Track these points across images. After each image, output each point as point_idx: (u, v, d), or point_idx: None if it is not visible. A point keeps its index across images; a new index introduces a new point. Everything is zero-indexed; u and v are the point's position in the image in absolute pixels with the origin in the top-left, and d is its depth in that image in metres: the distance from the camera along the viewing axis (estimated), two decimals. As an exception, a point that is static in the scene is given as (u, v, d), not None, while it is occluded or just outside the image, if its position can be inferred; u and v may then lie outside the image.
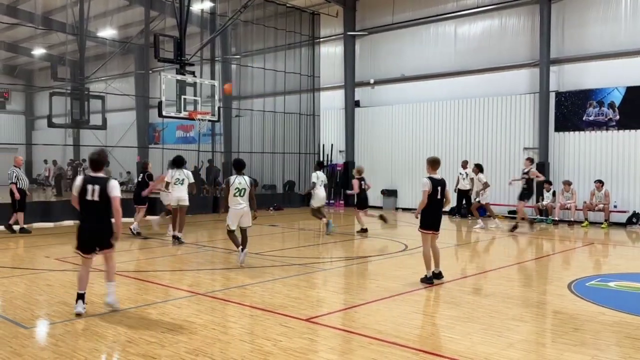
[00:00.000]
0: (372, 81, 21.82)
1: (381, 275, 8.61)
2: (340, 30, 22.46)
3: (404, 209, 20.34)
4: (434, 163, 7.96)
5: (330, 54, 22.80)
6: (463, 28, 19.42)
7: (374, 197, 21.32)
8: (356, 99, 22.47)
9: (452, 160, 18.80)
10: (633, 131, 15.77)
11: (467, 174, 17.12)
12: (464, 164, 17.35)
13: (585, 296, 7.20)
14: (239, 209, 8.99)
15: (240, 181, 8.97)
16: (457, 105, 19.34)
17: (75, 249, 6.21)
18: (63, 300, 6.72)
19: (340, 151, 22.81)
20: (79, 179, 6.25)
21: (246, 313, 6.38)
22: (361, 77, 22.24)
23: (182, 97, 14.90)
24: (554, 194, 16.83)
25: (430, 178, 7.83)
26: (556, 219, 16.33)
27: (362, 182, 13.45)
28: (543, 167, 17.20)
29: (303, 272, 8.80)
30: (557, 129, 17.22)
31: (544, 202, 16.89)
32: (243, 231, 9.19)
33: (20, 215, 13.06)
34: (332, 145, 22.89)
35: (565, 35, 17.07)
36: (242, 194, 8.97)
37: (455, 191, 17.15)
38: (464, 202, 17.51)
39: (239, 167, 9.24)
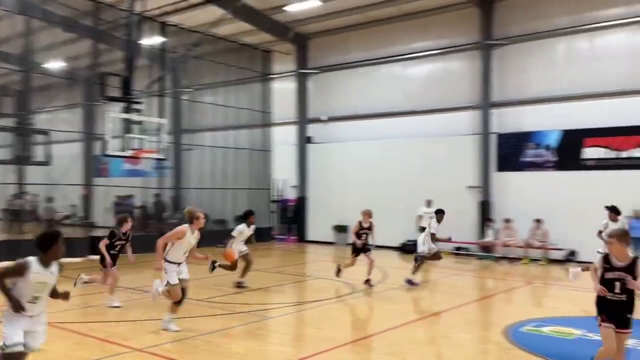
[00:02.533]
0: (324, 118, 22.17)
1: (325, 323, 8.67)
2: (293, 68, 22.82)
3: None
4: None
5: (283, 90, 23.08)
6: (411, 70, 20.10)
7: (325, 233, 21.50)
8: (309, 134, 22.76)
9: (401, 197, 19.22)
10: (569, 172, 16.57)
11: (431, 213, 17.52)
12: (428, 203, 17.77)
13: (519, 343, 7.45)
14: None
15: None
16: (405, 144, 19.84)
17: None
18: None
19: (292, 186, 22.94)
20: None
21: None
22: (314, 114, 22.57)
23: (128, 135, 14.72)
24: (496, 231, 17.40)
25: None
26: (498, 255, 16.86)
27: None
28: (486, 205, 17.81)
29: (247, 322, 8.72)
30: (498, 169, 17.91)
31: (486, 239, 17.43)
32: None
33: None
34: (284, 180, 23.01)
35: (505, 80, 17.89)
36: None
37: (418, 230, 17.41)
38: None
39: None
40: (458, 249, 18.15)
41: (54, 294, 4.92)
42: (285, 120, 22.81)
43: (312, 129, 22.74)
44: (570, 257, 16.20)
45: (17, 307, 4.58)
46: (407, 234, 18.98)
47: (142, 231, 19.85)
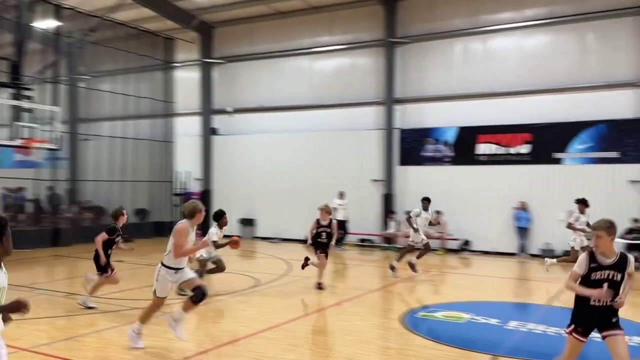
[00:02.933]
0: (230, 109, 21.84)
1: (226, 317, 8.56)
2: (197, 57, 22.28)
3: (262, 238, 20.45)
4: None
5: (187, 79, 22.46)
6: (317, 64, 20.29)
7: (231, 227, 21.19)
8: (214, 126, 22.34)
9: (308, 190, 19.40)
10: (464, 167, 17.48)
11: (345, 204, 17.84)
12: (341, 195, 18.00)
13: (414, 328, 7.76)
14: None
15: None
16: (312, 137, 20.02)
17: None
18: None
19: (196, 179, 22.43)
20: None
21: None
22: (219, 105, 22.18)
23: (18, 123, 13.70)
24: (398, 223, 18.01)
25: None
26: (400, 246, 17.46)
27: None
28: (389, 198, 18.40)
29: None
30: (401, 163, 18.55)
31: (389, 231, 18.01)
32: None
33: None
34: (188, 172, 22.45)
35: (408, 77, 18.53)
36: None
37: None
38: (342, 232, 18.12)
39: None
40: (362, 240, 18.63)
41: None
42: (188, 110, 22.24)
43: (217, 121, 22.34)
44: (464, 247, 17.14)
45: (24, 306, 3.32)
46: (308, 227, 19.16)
47: (35, 226, 18.64)
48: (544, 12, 16.63)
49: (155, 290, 6.60)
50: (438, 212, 17.20)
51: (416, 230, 12.63)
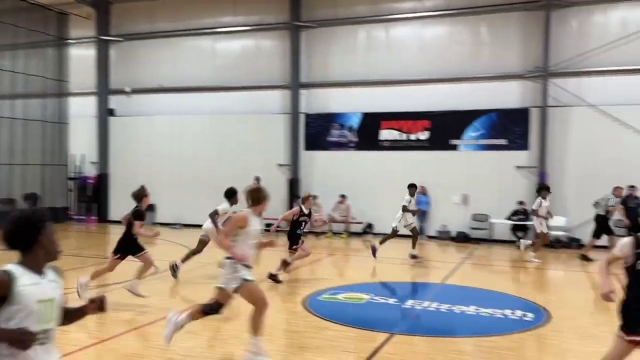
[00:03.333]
0: (128, 89, 20.84)
1: (124, 305, 8.21)
2: (93, 34, 21.01)
3: (163, 224, 19.82)
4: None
5: (82, 57, 21.11)
6: (221, 45, 19.83)
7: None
8: (112, 107, 21.26)
9: (213, 175, 19.04)
10: (368, 152, 17.90)
11: None
12: (257, 180, 17.71)
13: (316, 311, 7.87)
14: None
15: None
16: (216, 120, 19.60)
17: None
18: None
19: (92, 162, 21.28)
20: None
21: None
22: (117, 85, 21.09)
23: None
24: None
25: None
26: (306, 230, 17.60)
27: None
28: (294, 182, 18.47)
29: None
30: (306, 148, 18.66)
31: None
32: None
33: None
34: (83, 155, 21.25)
35: (313, 61, 18.60)
36: None
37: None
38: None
39: None
40: (268, 225, 18.46)
41: (71, 315, 3.07)
42: (84, 90, 20.94)
43: (114, 101, 21.28)
44: (367, 230, 17.61)
45: (22, 341, 2.60)
46: (217, 211, 18.86)
47: None
48: (442, 4, 17.27)
49: (244, 279, 5.81)
50: (343, 196, 17.53)
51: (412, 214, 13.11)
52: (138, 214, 8.32)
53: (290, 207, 18.31)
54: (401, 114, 17.53)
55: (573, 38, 15.88)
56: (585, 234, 14.96)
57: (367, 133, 17.91)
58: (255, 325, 5.70)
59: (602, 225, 13.49)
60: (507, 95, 16.54)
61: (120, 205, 20.80)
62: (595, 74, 15.61)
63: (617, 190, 13.59)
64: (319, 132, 18.50)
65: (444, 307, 8.14)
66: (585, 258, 13.20)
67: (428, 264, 13.60)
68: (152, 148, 20.39)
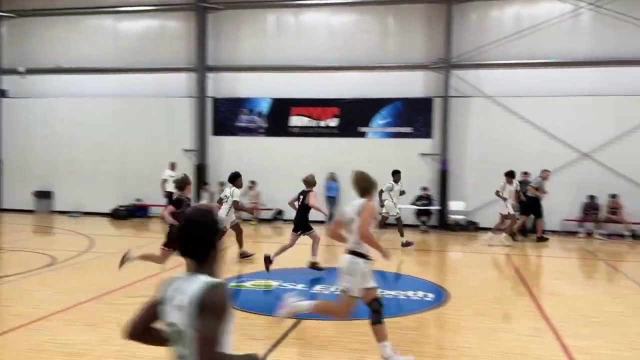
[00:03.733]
0: (21, 69, 19.38)
1: (17, 299, 7.69)
2: (-20, 7, 19.31)
3: (61, 212, 18.73)
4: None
5: (-33, 32, 19.37)
6: (124, 24, 18.92)
7: (24, 200, 19.04)
8: (3, 88, 19.71)
9: (115, 160, 18.24)
10: (277, 138, 17.85)
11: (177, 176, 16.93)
12: (172, 166, 17.06)
13: (224, 299, 7.74)
14: None
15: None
16: (119, 102, 18.72)
17: None
18: None
19: (-20, 147, 19.67)
20: None
21: None
22: (9, 64, 19.56)
23: None
24: (211, 194, 17.81)
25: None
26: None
27: (301, 197, 10.34)
28: (202, 168, 18.07)
29: None
30: (214, 133, 18.29)
31: (202, 202, 17.73)
32: None
33: None
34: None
35: (221, 44, 18.20)
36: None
37: (164, 196, 16.72)
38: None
39: None
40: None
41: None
42: (-29, 69, 19.27)
43: (7, 82, 19.73)
44: (277, 217, 17.60)
45: None
46: (119, 198, 18.15)
47: None
48: (351, -8, 17.51)
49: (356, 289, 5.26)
50: (252, 183, 17.39)
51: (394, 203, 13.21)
52: (178, 202, 8.16)
53: (198, 193, 17.94)
54: (311, 100, 17.62)
55: (472, 31, 16.65)
56: (482, 218, 15.87)
57: (277, 119, 17.84)
58: (327, 311, 5.53)
59: (533, 206, 14.30)
60: (412, 84, 17.08)
61: (14, 192, 19.46)
62: (492, 66, 16.48)
63: (544, 172, 14.49)
64: (227, 117, 18.19)
65: (350, 291, 8.30)
66: (542, 239, 14.02)
67: (338, 250, 13.83)
68: (49, 132, 19.17)
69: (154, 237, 14.68)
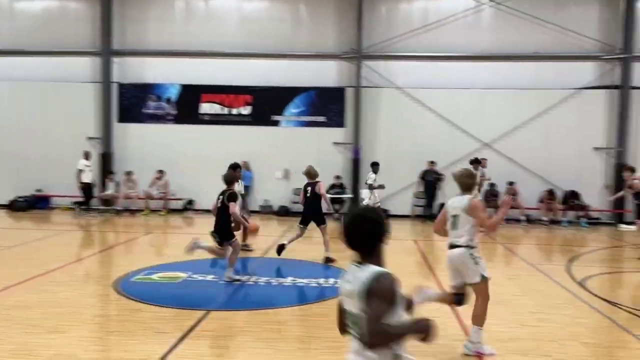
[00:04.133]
0: None
1: None
2: None
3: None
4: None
5: None
6: (21, 4, 17.63)
7: None
8: None
9: (12, 148, 17.07)
10: (187, 125, 17.38)
11: (91, 165, 16.23)
12: (86, 155, 16.02)
13: (129, 293, 7.47)
14: None
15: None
16: (16, 87, 17.48)
17: None
18: None
19: None
20: None
21: None
22: None
23: None
24: (117, 184, 17.09)
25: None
26: (119, 208, 16.65)
27: (309, 189, 10.15)
28: (107, 157, 17.29)
29: None
30: (120, 120, 17.53)
31: (107, 192, 16.98)
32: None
33: None
34: None
35: (127, 28, 17.41)
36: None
37: (79, 188, 15.75)
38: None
39: None
40: (77, 203, 17.07)
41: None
42: None
43: None
44: (188, 206, 17.21)
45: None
46: (18, 189, 17.02)
47: None
48: (261, -22, 17.32)
49: (483, 276, 5.38)
50: (160, 172, 16.87)
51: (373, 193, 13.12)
52: (232, 196, 8.09)
53: (103, 183, 17.16)
54: (222, 87, 17.31)
55: (382, 23, 17.00)
56: (393, 206, 16.34)
57: (187, 106, 17.38)
58: (482, 316, 5.42)
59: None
60: (325, 74, 17.21)
61: None
62: (401, 58, 16.93)
63: (483, 161, 15.10)
64: (133, 103, 17.48)
65: (262, 280, 8.29)
66: None
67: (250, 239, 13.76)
68: None
69: (55, 229, 13.92)
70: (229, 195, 8.08)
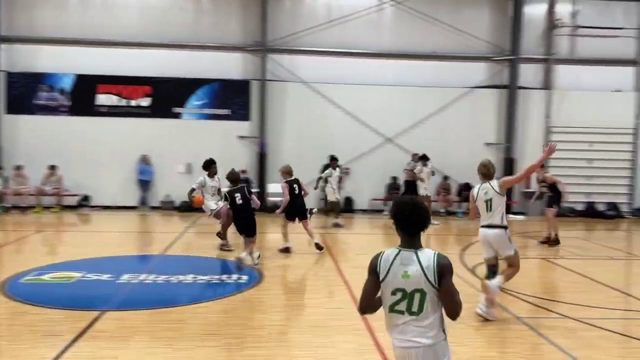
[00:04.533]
0: None
1: None
2: None
3: None
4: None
5: None
6: None
7: None
8: None
9: None
10: (82, 117, 16.51)
11: None
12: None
13: (17, 295, 7.01)
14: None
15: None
16: None
17: None
18: None
19: None
20: None
21: None
22: None
23: None
24: (6, 179, 15.92)
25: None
26: (8, 205, 15.53)
27: (296, 187, 10.46)
28: (-7, 150, 16.06)
29: None
30: (8, 111, 16.33)
31: (-5, 189, 15.78)
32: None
33: None
34: None
35: (17, 14, 16.23)
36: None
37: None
38: None
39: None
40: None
41: None
42: None
43: None
44: (83, 202, 16.38)
45: None
46: None
47: None
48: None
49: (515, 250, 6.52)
50: (52, 167, 15.93)
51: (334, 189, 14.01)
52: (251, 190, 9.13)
53: (-11, 179, 15.91)
54: (120, 78, 16.60)
55: (287, 17, 17.03)
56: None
57: (82, 97, 16.50)
58: (509, 277, 6.56)
59: (410, 188, 15.46)
60: (229, 66, 16.98)
61: None
62: (306, 52, 17.06)
63: (414, 156, 15.88)
64: (23, 93, 16.33)
65: (161, 279, 8.05)
66: None
67: (149, 236, 13.36)
68: None
69: None
70: (249, 190, 9.25)
